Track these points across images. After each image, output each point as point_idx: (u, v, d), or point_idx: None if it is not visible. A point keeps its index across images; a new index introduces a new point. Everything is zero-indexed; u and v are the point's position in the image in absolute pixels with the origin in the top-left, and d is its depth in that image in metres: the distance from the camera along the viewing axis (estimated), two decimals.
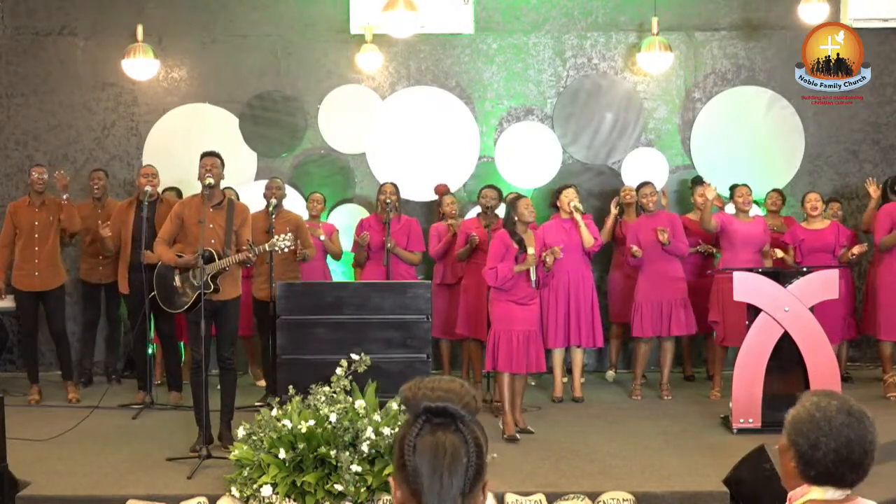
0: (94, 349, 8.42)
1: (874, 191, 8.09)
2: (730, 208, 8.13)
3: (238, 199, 7.88)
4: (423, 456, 1.69)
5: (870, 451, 2.19)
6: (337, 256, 8.14)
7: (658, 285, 7.50)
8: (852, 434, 2.17)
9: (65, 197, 7.45)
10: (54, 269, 7.57)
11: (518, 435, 6.28)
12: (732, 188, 7.88)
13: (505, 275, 6.31)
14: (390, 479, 1.77)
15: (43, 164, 8.07)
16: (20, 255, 7.50)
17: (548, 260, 6.33)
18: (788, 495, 2.30)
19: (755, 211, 8.33)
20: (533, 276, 6.33)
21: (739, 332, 6.90)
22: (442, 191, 8.31)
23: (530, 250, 6.31)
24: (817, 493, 2.22)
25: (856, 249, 7.64)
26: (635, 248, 7.42)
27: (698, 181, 8.47)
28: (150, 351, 7.95)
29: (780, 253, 7.56)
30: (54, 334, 7.71)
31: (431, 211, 8.90)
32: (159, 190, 7.61)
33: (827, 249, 7.63)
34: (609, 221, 8.09)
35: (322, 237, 7.92)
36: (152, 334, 7.57)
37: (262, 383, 7.94)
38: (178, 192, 8.12)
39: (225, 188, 7.96)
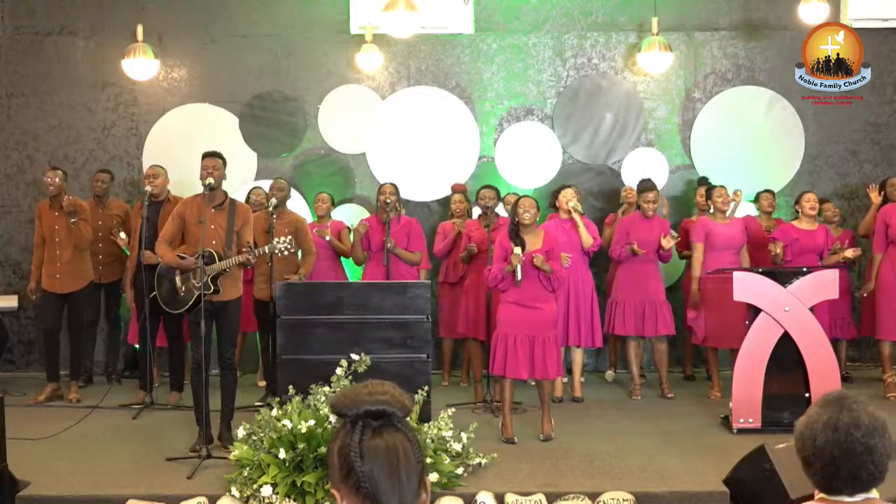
0: (94, 349, 8.42)
1: (875, 196, 8.05)
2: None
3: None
4: (377, 459, 1.67)
5: (864, 464, 2.15)
6: (347, 255, 8.08)
7: (640, 285, 7.51)
8: (836, 451, 2.15)
9: (72, 221, 7.38)
10: (76, 273, 7.55)
11: (516, 438, 6.28)
12: (709, 189, 7.84)
13: (495, 275, 6.26)
14: (333, 492, 1.74)
15: (57, 166, 7.93)
16: (46, 256, 7.56)
17: (535, 262, 6.16)
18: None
19: (747, 211, 8.35)
20: (518, 276, 6.16)
21: (721, 332, 6.97)
22: (455, 189, 8.32)
23: (517, 250, 6.15)
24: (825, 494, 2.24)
25: (849, 253, 7.62)
26: (636, 246, 7.39)
27: (704, 182, 8.45)
28: (136, 345, 7.94)
29: (778, 248, 7.49)
30: (72, 334, 7.72)
31: (432, 211, 8.92)
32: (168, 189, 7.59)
33: (817, 251, 7.61)
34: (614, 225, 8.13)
35: (328, 237, 7.86)
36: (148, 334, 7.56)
37: (262, 383, 7.94)
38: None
39: (255, 187, 7.99)
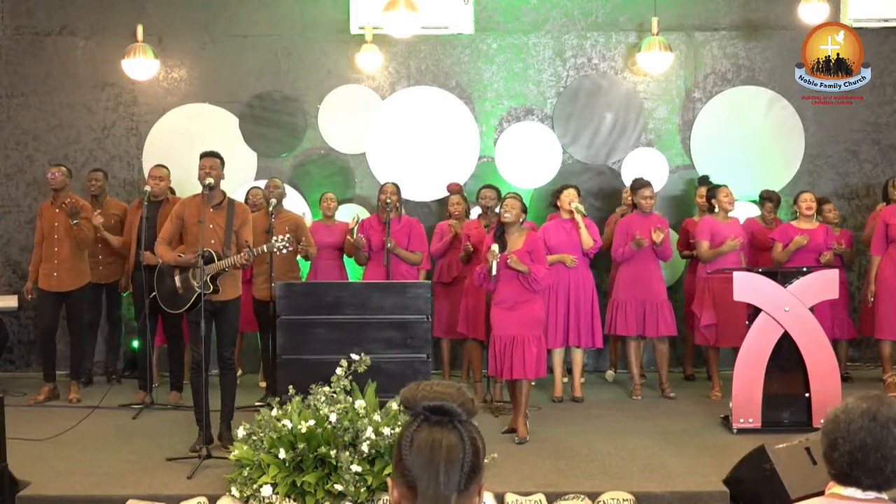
0: (94, 349, 8.42)
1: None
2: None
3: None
4: (419, 451, 1.73)
5: (892, 458, 2.16)
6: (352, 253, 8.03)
7: (640, 285, 7.51)
8: (869, 439, 2.16)
9: (74, 221, 7.40)
10: (74, 270, 7.54)
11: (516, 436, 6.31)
12: (711, 188, 7.82)
13: (478, 273, 6.40)
14: (388, 480, 1.84)
15: (62, 164, 7.90)
16: (43, 255, 7.56)
17: (508, 262, 6.21)
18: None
19: (749, 211, 8.34)
20: (493, 273, 6.22)
21: (726, 331, 7.00)
22: (452, 189, 8.30)
23: (493, 248, 6.22)
24: (839, 488, 2.23)
25: (835, 245, 7.59)
26: (639, 236, 7.36)
27: (704, 181, 8.44)
28: (134, 344, 7.93)
29: (805, 241, 7.43)
30: (71, 333, 7.71)
31: (432, 211, 8.91)
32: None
33: (816, 250, 7.59)
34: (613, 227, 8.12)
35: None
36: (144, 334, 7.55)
37: (264, 383, 7.93)
38: (172, 192, 8.12)
39: (253, 188, 7.96)
